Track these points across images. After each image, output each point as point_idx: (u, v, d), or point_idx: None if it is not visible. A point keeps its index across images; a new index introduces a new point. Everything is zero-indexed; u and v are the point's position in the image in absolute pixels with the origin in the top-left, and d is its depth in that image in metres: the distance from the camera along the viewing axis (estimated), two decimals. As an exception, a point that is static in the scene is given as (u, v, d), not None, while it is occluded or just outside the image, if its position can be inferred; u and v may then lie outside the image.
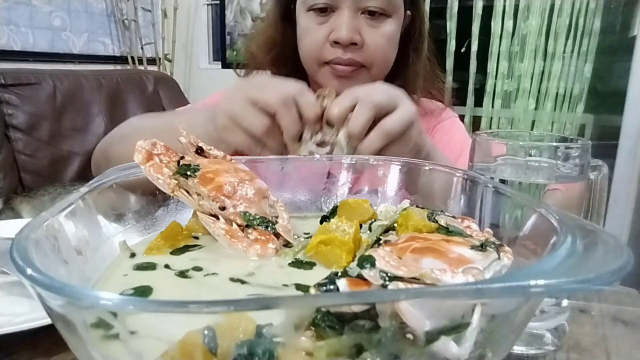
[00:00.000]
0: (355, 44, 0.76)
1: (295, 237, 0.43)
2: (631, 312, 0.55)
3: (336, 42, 0.76)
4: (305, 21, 0.80)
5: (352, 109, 0.55)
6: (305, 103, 0.55)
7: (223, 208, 0.41)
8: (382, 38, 0.79)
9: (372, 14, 0.77)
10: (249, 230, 0.41)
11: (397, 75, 0.87)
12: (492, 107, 2.19)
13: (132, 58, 2.57)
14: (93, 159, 0.84)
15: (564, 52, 2.02)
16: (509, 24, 2.11)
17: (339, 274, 0.27)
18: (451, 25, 2.22)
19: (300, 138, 0.57)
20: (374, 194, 0.54)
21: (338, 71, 0.78)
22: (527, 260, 0.33)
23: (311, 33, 0.79)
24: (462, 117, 2.20)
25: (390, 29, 0.79)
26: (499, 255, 0.30)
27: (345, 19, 0.75)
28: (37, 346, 0.42)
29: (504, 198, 0.41)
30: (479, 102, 2.25)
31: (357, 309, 0.24)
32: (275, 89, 0.56)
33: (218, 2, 2.73)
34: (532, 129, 2.12)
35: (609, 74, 2.06)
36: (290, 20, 0.84)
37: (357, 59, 0.78)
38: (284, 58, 0.87)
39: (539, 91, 2.09)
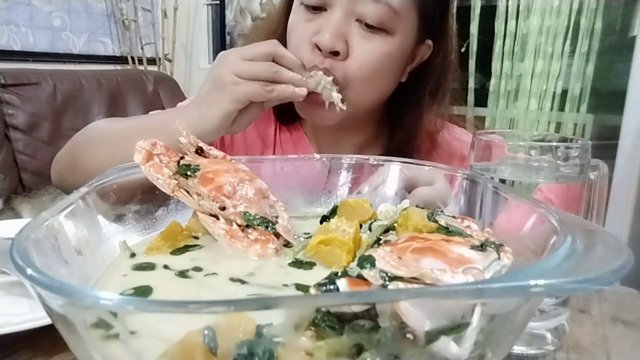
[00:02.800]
0: (337, 53, 0.65)
1: (295, 237, 0.43)
2: (631, 312, 0.55)
3: (318, 47, 0.65)
4: (295, 15, 0.70)
5: None
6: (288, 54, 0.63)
7: (223, 208, 0.41)
8: (372, 54, 0.65)
9: (370, 25, 0.65)
10: (249, 230, 0.41)
11: (399, 123, 0.75)
12: (497, 107, 2.20)
13: (132, 58, 2.57)
14: (54, 167, 0.77)
15: (563, 52, 2.03)
16: (512, 23, 2.11)
17: (339, 274, 0.27)
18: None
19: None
20: (374, 194, 0.54)
21: (309, 96, 0.65)
22: (527, 260, 0.33)
23: (296, 30, 0.69)
24: (463, 117, 2.21)
25: (387, 48, 0.66)
26: (499, 255, 0.30)
27: (334, 22, 0.64)
28: (37, 346, 0.42)
29: (504, 198, 0.41)
30: (481, 102, 2.26)
31: (357, 309, 0.24)
32: (259, 44, 0.63)
33: (218, 2, 2.73)
34: (536, 129, 2.13)
35: (609, 74, 2.06)
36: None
37: (334, 72, 0.65)
38: None
39: (544, 91, 2.09)
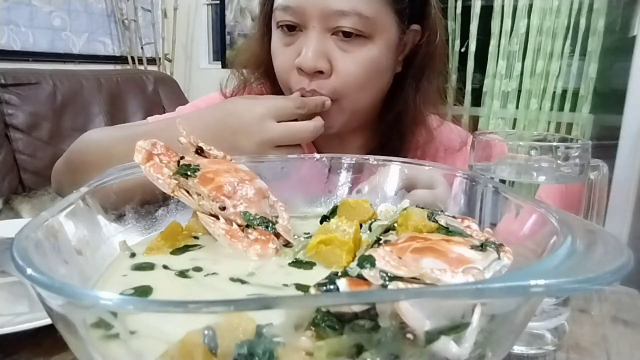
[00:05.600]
0: (321, 72, 0.66)
1: (295, 237, 0.43)
2: (631, 312, 0.55)
3: (301, 69, 0.67)
4: (275, 39, 0.71)
5: None
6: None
7: (223, 208, 0.41)
8: (355, 65, 0.67)
9: (347, 35, 0.65)
10: (249, 230, 0.41)
11: (390, 108, 0.75)
12: (492, 107, 2.20)
13: (132, 58, 2.57)
14: (54, 177, 0.80)
15: (563, 51, 2.03)
16: (507, 23, 2.12)
17: (339, 273, 0.27)
18: (454, 25, 2.22)
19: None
20: (374, 194, 0.54)
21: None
22: (527, 260, 0.33)
23: (279, 55, 0.70)
24: (460, 117, 2.21)
25: (369, 54, 0.67)
26: (499, 255, 0.30)
27: (312, 42, 0.65)
28: (37, 346, 0.42)
29: (504, 198, 0.41)
30: (477, 103, 2.26)
31: (357, 308, 0.24)
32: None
33: (218, 2, 2.73)
34: (535, 129, 2.13)
35: (609, 73, 2.06)
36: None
37: (322, 91, 0.67)
38: (273, 75, 0.75)
39: (542, 91, 2.09)
